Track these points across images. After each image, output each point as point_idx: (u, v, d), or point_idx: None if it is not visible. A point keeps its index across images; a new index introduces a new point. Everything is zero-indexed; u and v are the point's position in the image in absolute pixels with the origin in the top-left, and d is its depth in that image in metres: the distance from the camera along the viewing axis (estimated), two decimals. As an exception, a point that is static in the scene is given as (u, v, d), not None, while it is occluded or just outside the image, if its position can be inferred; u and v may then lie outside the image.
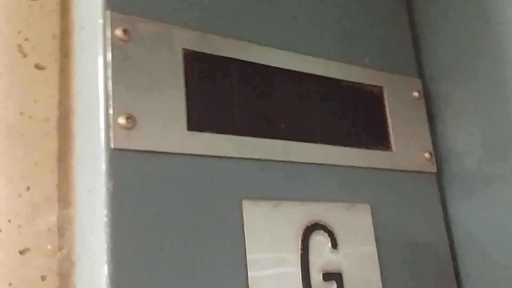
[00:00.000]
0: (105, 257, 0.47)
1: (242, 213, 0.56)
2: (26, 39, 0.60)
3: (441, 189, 0.75)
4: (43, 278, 0.54)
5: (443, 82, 0.78)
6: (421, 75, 0.80)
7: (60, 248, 0.54)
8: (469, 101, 0.75)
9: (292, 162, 0.62)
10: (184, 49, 0.57)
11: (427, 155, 0.74)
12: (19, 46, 0.59)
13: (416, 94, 0.77)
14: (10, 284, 0.52)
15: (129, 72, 0.53)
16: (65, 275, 0.53)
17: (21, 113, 0.58)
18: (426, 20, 0.81)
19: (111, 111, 0.51)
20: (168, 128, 0.54)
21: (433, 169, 0.75)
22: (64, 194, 0.56)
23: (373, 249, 0.64)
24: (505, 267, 0.68)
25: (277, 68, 0.64)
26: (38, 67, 0.60)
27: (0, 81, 0.58)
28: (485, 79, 0.73)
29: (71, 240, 0.53)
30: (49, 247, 0.54)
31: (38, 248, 0.54)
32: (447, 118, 0.77)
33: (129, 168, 0.51)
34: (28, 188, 0.56)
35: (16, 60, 0.59)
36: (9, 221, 0.54)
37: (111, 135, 0.50)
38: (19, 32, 0.60)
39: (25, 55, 0.59)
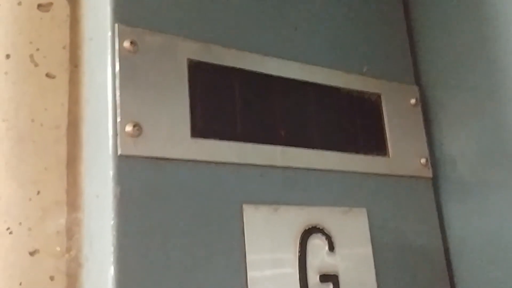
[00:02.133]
0: (112, 259, 0.50)
1: (242, 217, 0.58)
2: (38, 49, 0.63)
3: (436, 194, 0.78)
4: (51, 278, 0.56)
5: (440, 89, 0.81)
6: (418, 82, 0.82)
7: (69, 250, 0.57)
8: (465, 108, 0.77)
9: (291, 167, 0.64)
10: (188, 59, 0.60)
11: (423, 160, 0.77)
12: (31, 56, 0.62)
13: (413, 101, 0.79)
14: (20, 284, 0.55)
15: (136, 82, 0.56)
16: (73, 276, 0.56)
17: (32, 121, 0.60)
18: (423, 28, 0.83)
19: (118, 119, 0.54)
20: (172, 136, 0.56)
21: (429, 174, 0.77)
22: (72, 199, 0.58)
23: (369, 252, 0.67)
24: (499, 272, 0.70)
25: (278, 76, 0.67)
26: (48, 76, 0.62)
27: (12, 89, 0.60)
28: (481, 87, 0.75)
29: (79, 242, 0.56)
30: (58, 249, 0.57)
31: (47, 249, 0.57)
32: (443, 124, 0.79)
33: (135, 174, 0.53)
34: (39, 192, 0.58)
35: (28, 70, 0.62)
36: (20, 223, 0.57)
37: (119, 142, 0.53)
38: (30, 42, 0.63)
39: (36, 65, 0.62)
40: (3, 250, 0.55)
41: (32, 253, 0.56)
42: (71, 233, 0.57)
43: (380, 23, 0.80)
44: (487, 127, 0.74)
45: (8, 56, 0.61)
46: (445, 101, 0.80)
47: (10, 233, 0.56)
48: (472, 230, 0.74)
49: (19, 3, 0.63)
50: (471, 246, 0.74)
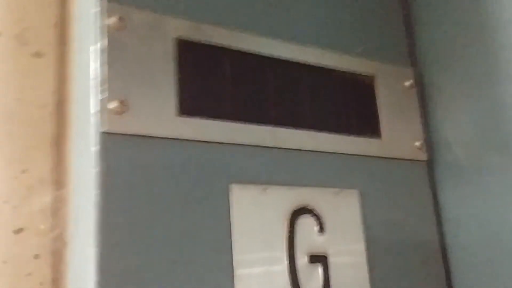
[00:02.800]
0: (94, 237, 0.49)
1: (229, 196, 0.58)
2: (26, 28, 0.62)
3: (432, 177, 0.77)
4: (36, 256, 0.56)
5: (436, 71, 0.79)
6: (414, 64, 0.81)
7: (53, 228, 0.56)
8: (461, 90, 0.76)
9: (281, 148, 0.63)
10: (177, 38, 0.59)
11: (417, 143, 0.76)
12: (20, 35, 0.62)
13: (408, 83, 0.78)
14: (4, 262, 0.55)
15: (123, 59, 0.55)
16: (58, 254, 0.56)
17: (19, 99, 0.60)
18: (419, 9, 0.82)
19: (103, 96, 0.53)
20: (159, 113, 0.56)
21: (424, 157, 0.76)
22: (58, 177, 0.58)
23: (360, 234, 0.66)
24: (494, 255, 0.69)
25: (269, 56, 0.66)
26: (37, 55, 0.62)
27: (0, 68, 0.60)
28: (477, 69, 0.74)
29: (64, 220, 0.56)
30: (42, 227, 0.56)
31: (32, 228, 0.57)
32: (439, 107, 0.78)
33: (119, 151, 0.53)
34: (24, 170, 0.58)
35: (16, 48, 0.61)
36: (5, 202, 0.56)
37: (103, 119, 0.53)
38: (19, 21, 0.62)
39: (24, 43, 0.62)
40: (-12, 228, 0.55)
41: (16, 231, 0.56)
42: (56, 211, 0.57)
43: (375, 3, 0.79)
44: (483, 110, 0.73)
45: (-5, 34, 0.61)
46: (442, 83, 0.79)
47: (-4, 211, 0.56)
48: (467, 213, 0.73)
49: (7, -19, 0.62)
50: (467, 229, 0.73)
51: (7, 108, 0.59)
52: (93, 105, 0.53)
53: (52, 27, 0.63)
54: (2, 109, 0.59)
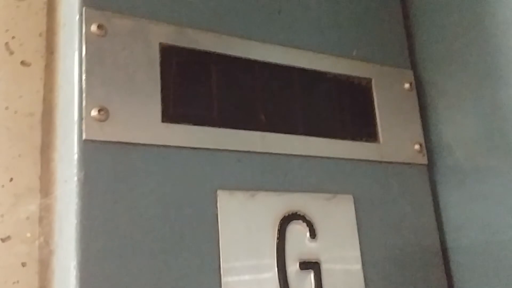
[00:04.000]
0: (75, 246, 0.49)
1: (217, 203, 0.57)
2: (13, 37, 0.63)
3: (432, 181, 0.74)
4: (23, 264, 0.56)
5: (436, 73, 0.77)
6: (413, 66, 0.79)
7: (40, 236, 0.56)
8: (461, 92, 0.74)
9: (271, 153, 0.62)
10: (160, 43, 0.59)
11: (417, 146, 0.73)
12: (6, 44, 0.62)
13: (407, 85, 0.76)
14: (-9, 270, 0.55)
15: (104, 66, 0.55)
16: (45, 262, 0.55)
17: (6, 108, 0.60)
18: (418, 10, 0.80)
19: (84, 104, 0.53)
20: (142, 120, 0.55)
21: (424, 160, 0.74)
22: (45, 185, 0.58)
23: (355, 240, 0.64)
24: (495, 258, 0.67)
25: (258, 61, 0.65)
26: (24, 63, 0.62)
27: (-13, 77, 0.60)
28: (477, 70, 0.72)
29: (50, 228, 0.55)
30: (28, 235, 0.56)
31: (19, 236, 0.57)
32: (439, 109, 0.76)
33: (101, 159, 0.52)
34: (11, 179, 0.58)
35: (3, 57, 0.62)
36: (-9, 210, 0.57)
37: (84, 126, 0.52)
38: (6, 30, 0.63)
39: (12, 53, 0.62)
40: (-26, 237, 0.56)
41: (3, 240, 0.56)
42: (42, 219, 0.57)
43: (372, 3, 0.77)
44: (484, 111, 0.71)
45: (-17, 44, 0.61)
46: (441, 85, 0.77)
47: (-18, 220, 0.56)
48: (469, 217, 0.71)
49: (-5, -8, 0.63)
50: (468, 233, 0.71)
51: (-5, 117, 0.59)
52: (75, 112, 0.53)
53: (39, 36, 0.63)
54: (-11, 118, 0.59)
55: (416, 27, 0.80)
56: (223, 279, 0.55)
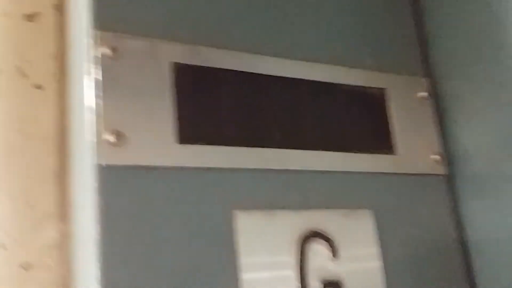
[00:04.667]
0: (96, 273, 0.48)
1: (234, 224, 0.56)
2: (25, 60, 0.62)
3: (452, 191, 0.73)
4: (43, 292, 0.55)
5: (452, 81, 0.76)
6: (428, 74, 0.77)
7: (60, 263, 0.56)
8: (480, 99, 0.73)
9: (287, 170, 0.61)
10: (173, 62, 0.58)
11: (435, 156, 0.72)
12: (18, 67, 0.61)
13: (423, 94, 0.75)
14: (13, 299, 0.54)
15: (117, 89, 0.54)
16: (65, 289, 0.55)
17: (21, 132, 0.60)
18: (433, 17, 0.79)
19: (99, 128, 0.52)
20: (157, 142, 0.55)
21: (442, 171, 0.72)
22: (63, 211, 0.57)
23: (376, 256, 0.63)
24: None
25: (271, 76, 0.64)
26: (36, 86, 0.62)
27: (0, 102, 0.60)
28: (495, 76, 0.70)
29: (70, 255, 0.55)
30: (50, 262, 0.56)
31: (40, 263, 0.56)
32: (457, 117, 0.75)
33: (118, 184, 0.52)
34: (29, 205, 0.58)
35: (16, 81, 0.61)
36: (11, 237, 0.56)
37: (99, 152, 0.51)
38: (18, 53, 0.62)
39: (24, 76, 0.61)
40: (-4, 265, 0.55)
41: (25, 267, 0.56)
42: (63, 245, 0.56)
43: (384, 12, 0.76)
44: (504, 119, 0.69)
45: (-5, 69, 0.61)
46: (459, 93, 0.75)
47: (4, 248, 0.55)
48: (491, 228, 0.70)
49: (6, 15, 0.62)
50: (491, 244, 0.69)
51: (9, 142, 0.59)
52: (89, 137, 0.52)
53: (51, 59, 0.62)
54: (4, 142, 0.59)
55: (430, 34, 0.79)
56: (244, 305, 0.54)
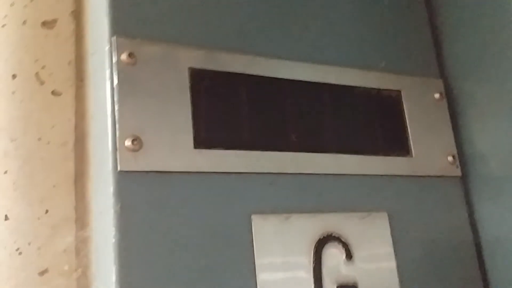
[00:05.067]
0: (114, 278, 0.49)
1: (251, 228, 0.56)
2: (43, 67, 0.63)
3: (467, 193, 0.73)
4: (62, 297, 0.56)
5: (467, 81, 0.76)
6: (443, 75, 0.77)
7: (77, 268, 0.56)
8: (494, 100, 0.72)
9: (303, 174, 0.61)
10: (190, 68, 0.58)
11: (450, 158, 0.72)
12: (37, 74, 0.62)
13: (437, 95, 0.75)
14: (31, 303, 0.55)
15: (135, 95, 0.55)
16: (83, 294, 0.55)
17: (39, 139, 0.61)
18: (447, 19, 0.79)
19: (117, 134, 0.53)
20: (175, 148, 0.55)
21: (457, 172, 0.72)
22: (81, 216, 0.58)
23: (392, 259, 0.63)
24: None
25: (287, 79, 0.64)
26: (55, 93, 0.62)
27: (19, 108, 0.61)
28: (509, 77, 0.70)
29: (87, 260, 0.55)
30: (66, 267, 0.56)
31: (57, 268, 0.57)
32: (471, 119, 0.75)
33: (136, 189, 0.52)
34: (47, 211, 0.59)
35: (34, 88, 0.62)
36: (29, 243, 0.57)
37: (118, 157, 0.52)
38: (36, 61, 0.63)
39: (42, 83, 0.62)
40: (13, 271, 0.56)
41: (41, 273, 0.57)
42: (79, 251, 0.57)
43: (398, 14, 0.76)
44: (518, 119, 0.69)
45: (14, 76, 0.61)
46: (474, 94, 0.75)
47: (20, 253, 0.56)
48: (507, 230, 0.69)
49: (24, 22, 0.63)
50: (506, 245, 0.69)
51: (28, 148, 0.60)
52: (107, 143, 0.53)
53: (68, 64, 0.63)
54: (23, 149, 0.60)
55: (444, 35, 0.79)
56: (261, 305, 0.54)
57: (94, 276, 0.55)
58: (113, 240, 0.50)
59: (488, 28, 0.73)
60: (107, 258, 0.51)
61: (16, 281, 0.56)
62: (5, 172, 0.58)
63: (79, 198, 0.59)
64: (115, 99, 0.54)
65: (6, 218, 0.57)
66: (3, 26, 0.62)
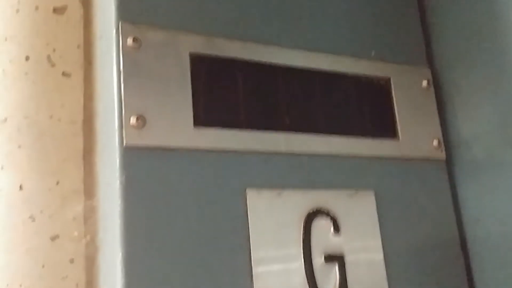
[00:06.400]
0: (120, 244, 0.54)
1: (246, 201, 0.61)
2: (54, 50, 0.68)
3: (450, 176, 0.77)
4: (71, 261, 0.61)
5: (453, 70, 0.80)
6: (431, 64, 0.81)
7: (85, 235, 0.61)
8: (478, 88, 0.76)
9: (295, 153, 0.66)
10: (190, 53, 0.63)
11: (435, 142, 0.76)
12: (48, 56, 0.67)
13: (425, 83, 0.79)
14: (43, 266, 0.60)
15: (140, 77, 0.59)
16: (91, 259, 0.60)
17: (51, 117, 0.65)
18: (434, 8, 0.83)
19: (123, 113, 0.57)
20: (176, 126, 0.60)
21: (442, 156, 0.77)
22: (88, 187, 0.63)
23: (377, 234, 0.68)
24: (513, 250, 0.70)
25: (282, 65, 0.69)
26: (65, 74, 0.67)
27: (32, 88, 0.66)
28: (493, 66, 0.74)
29: (95, 227, 0.60)
30: (76, 234, 0.61)
31: (67, 235, 0.62)
32: (456, 105, 0.79)
33: (140, 163, 0.57)
34: (58, 182, 0.63)
35: (46, 69, 0.67)
36: (41, 211, 0.62)
37: (124, 134, 0.57)
38: (47, 44, 0.68)
39: (53, 65, 0.67)
40: (27, 236, 0.61)
41: (53, 238, 0.61)
42: (88, 219, 0.62)
43: (389, 5, 0.80)
44: (500, 106, 0.73)
45: (27, 58, 0.66)
46: (459, 82, 0.79)
47: (33, 220, 0.61)
48: (488, 212, 0.74)
49: (36, 8, 0.68)
50: (487, 228, 0.73)
51: (41, 125, 0.64)
52: (115, 121, 0.57)
53: (77, 48, 0.68)
54: (36, 126, 0.64)
55: (433, 25, 0.83)
56: (254, 269, 0.59)
57: (102, 242, 0.60)
58: (119, 209, 0.55)
59: (473, 19, 0.77)
60: (113, 225, 0.56)
61: (30, 245, 0.61)
62: (19, 147, 0.63)
63: (87, 171, 0.64)
64: (121, 80, 0.58)
65: (21, 188, 0.62)
66: (17, 11, 0.67)
